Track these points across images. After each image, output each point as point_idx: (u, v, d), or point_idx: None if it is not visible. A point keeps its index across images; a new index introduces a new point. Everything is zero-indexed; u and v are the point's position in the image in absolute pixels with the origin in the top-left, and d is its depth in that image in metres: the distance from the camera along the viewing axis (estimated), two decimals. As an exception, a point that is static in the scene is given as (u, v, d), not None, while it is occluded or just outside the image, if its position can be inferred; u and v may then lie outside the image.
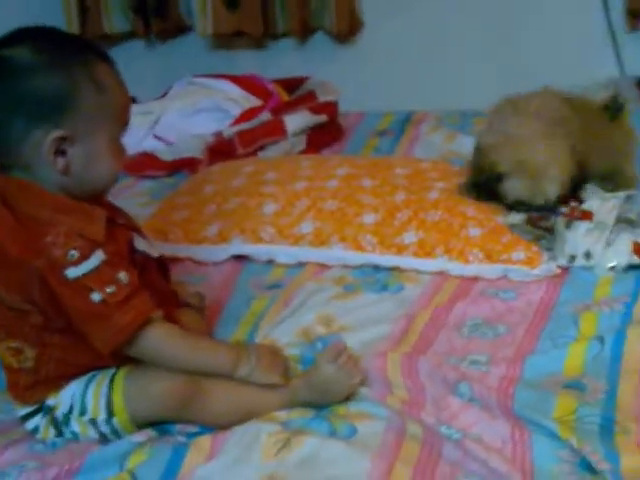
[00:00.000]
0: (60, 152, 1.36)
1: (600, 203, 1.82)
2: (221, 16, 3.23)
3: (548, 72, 2.74)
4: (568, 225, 1.77)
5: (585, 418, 1.36)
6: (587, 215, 1.79)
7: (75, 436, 1.44)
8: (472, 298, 1.72)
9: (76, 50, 1.39)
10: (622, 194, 1.83)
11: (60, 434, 1.44)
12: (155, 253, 1.53)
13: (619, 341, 1.53)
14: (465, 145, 2.40)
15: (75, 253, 1.34)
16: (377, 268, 1.84)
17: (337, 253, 1.84)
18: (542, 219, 1.79)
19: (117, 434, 1.43)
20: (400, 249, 1.82)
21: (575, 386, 1.44)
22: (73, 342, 1.41)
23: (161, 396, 1.41)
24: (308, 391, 1.41)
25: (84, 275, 1.34)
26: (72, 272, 1.34)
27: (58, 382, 1.44)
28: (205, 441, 1.34)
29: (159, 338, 1.40)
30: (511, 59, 3.16)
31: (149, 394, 1.41)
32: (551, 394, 1.42)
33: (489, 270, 1.77)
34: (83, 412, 1.42)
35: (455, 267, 1.79)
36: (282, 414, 1.38)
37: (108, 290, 1.35)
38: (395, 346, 1.56)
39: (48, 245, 1.34)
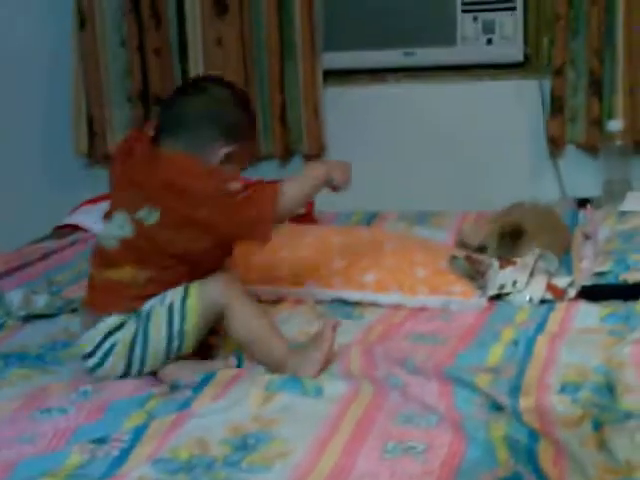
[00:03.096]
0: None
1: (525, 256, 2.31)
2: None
3: (500, 192, 3.18)
4: (501, 267, 2.26)
5: (497, 386, 1.77)
6: (513, 262, 2.28)
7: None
8: (418, 320, 2.16)
9: (245, 97, 2.05)
10: (538, 250, 2.32)
11: None
12: None
13: (530, 345, 1.96)
14: (421, 233, 2.86)
15: (234, 186, 1.92)
16: (344, 302, 2.28)
17: (311, 290, 2.30)
18: (479, 263, 2.26)
19: (182, 323, 1.87)
20: (362, 286, 2.26)
21: (493, 370, 1.86)
22: (175, 268, 1.90)
23: (214, 294, 1.89)
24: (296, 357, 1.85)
25: (241, 199, 1.88)
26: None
27: (150, 296, 1.89)
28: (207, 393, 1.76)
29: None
30: (462, 180, 3.61)
31: (207, 294, 1.89)
32: (473, 374, 1.83)
33: (433, 301, 2.23)
34: (163, 300, 1.88)
35: (405, 299, 2.24)
36: (266, 377, 1.80)
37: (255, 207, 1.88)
38: (354, 346, 1.98)
39: (219, 183, 1.90)
